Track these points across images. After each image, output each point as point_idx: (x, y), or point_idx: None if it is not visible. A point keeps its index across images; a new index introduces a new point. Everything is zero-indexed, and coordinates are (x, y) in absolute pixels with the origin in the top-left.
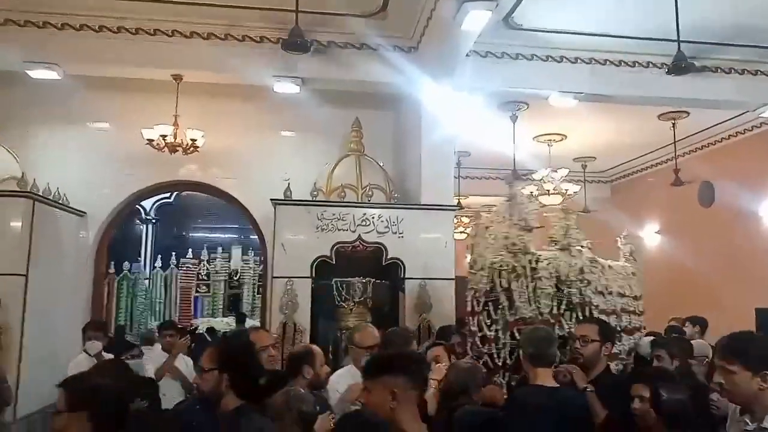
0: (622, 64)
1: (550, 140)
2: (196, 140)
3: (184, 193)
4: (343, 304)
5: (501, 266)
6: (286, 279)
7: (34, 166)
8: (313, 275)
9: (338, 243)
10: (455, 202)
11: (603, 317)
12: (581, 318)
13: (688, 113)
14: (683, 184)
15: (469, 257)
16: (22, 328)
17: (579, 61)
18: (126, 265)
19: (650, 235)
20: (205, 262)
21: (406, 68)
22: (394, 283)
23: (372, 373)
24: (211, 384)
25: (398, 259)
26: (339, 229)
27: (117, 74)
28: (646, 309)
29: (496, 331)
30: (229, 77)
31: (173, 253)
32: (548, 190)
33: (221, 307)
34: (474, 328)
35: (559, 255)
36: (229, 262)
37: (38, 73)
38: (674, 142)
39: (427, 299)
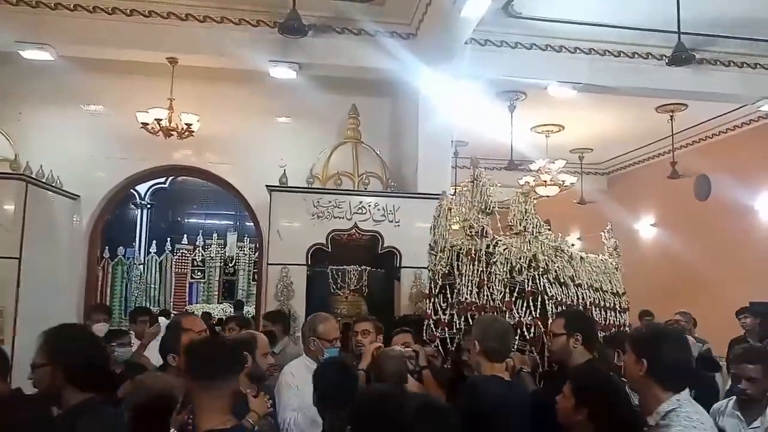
0: (622, 54)
1: (547, 131)
2: (191, 125)
3: (179, 178)
4: (339, 292)
5: (460, 249)
6: (282, 266)
7: (27, 148)
8: (309, 262)
9: (334, 230)
10: (452, 191)
11: (562, 309)
12: (532, 307)
13: (686, 106)
14: (680, 177)
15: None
16: (15, 311)
17: (578, 51)
18: (120, 250)
19: (646, 228)
20: (200, 248)
21: (403, 55)
22: (390, 271)
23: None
24: (45, 381)
25: (394, 247)
26: (335, 217)
27: (111, 56)
28: (640, 302)
29: (451, 315)
30: (225, 61)
31: (168, 239)
32: (545, 181)
33: (216, 293)
34: (429, 311)
35: (514, 240)
36: (224, 248)
37: (31, 54)
38: (672, 135)
39: (423, 288)
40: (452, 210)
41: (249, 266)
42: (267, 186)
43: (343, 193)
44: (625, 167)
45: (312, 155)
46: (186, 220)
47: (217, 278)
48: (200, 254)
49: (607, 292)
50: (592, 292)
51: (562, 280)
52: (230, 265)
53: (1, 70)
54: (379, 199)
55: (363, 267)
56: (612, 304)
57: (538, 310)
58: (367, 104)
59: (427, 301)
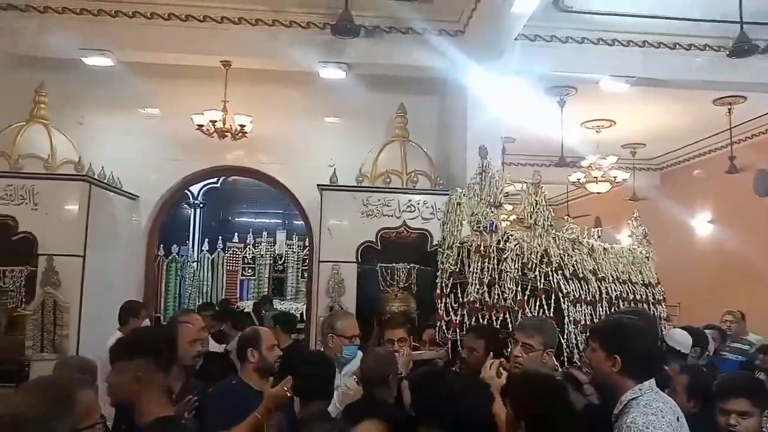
0: (677, 47)
1: (598, 126)
2: (244, 126)
3: (230, 178)
4: (388, 289)
5: (470, 246)
6: (333, 263)
7: (89, 150)
8: (359, 260)
9: (383, 228)
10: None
11: (580, 307)
12: (545, 306)
13: (745, 98)
14: (738, 172)
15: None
16: (80, 308)
17: (632, 44)
18: (174, 248)
19: (702, 224)
20: (251, 246)
21: (452, 52)
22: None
23: (121, 356)
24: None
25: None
26: (384, 215)
27: (167, 60)
28: (696, 300)
29: (462, 316)
30: (276, 63)
31: (219, 237)
32: (596, 178)
33: (266, 290)
34: (441, 312)
35: (525, 235)
36: (273, 246)
37: (93, 60)
38: (730, 128)
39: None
40: (461, 205)
41: (298, 263)
42: (318, 185)
43: (392, 191)
44: (679, 162)
45: (361, 154)
46: (236, 219)
47: (266, 275)
48: (250, 252)
49: (637, 283)
50: (618, 284)
51: (581, 275)
52: (279, 262)
53: (65, 76)
54: (428, 197)
55: (412, 265)
56: (644, 296)
57: (552, 309)
58: (414, 102)
59: (438, 301)
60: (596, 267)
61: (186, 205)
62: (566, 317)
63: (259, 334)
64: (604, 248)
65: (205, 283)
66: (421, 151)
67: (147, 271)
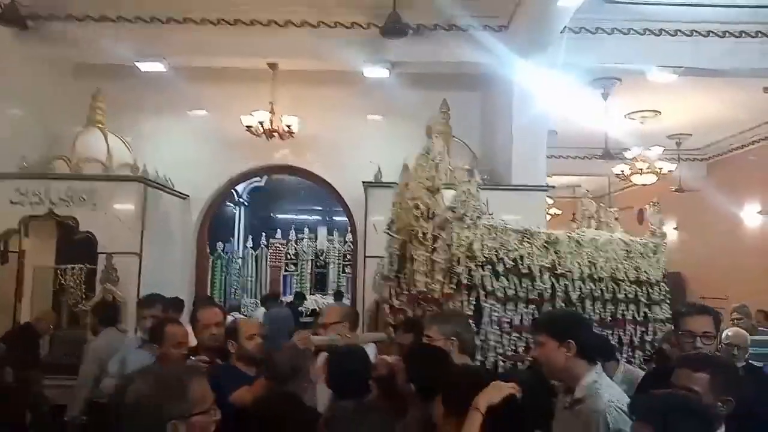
0: (727, 35)
1: (643, 117)
2: (291, 126)
3: (273, 177)
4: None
5: (413, 231)
6: (379, 258)
7: (142, 152)
8: None
9: None
10: (547, 182)
11: (513, 306)
12: (466, 302)
13: None
14: None
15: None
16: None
17: (679, 33)
18: (219, 245)
19: (751, 216)
20: (293, 242)
21: (496, 47)
22: None
23: None
24: None
25: None
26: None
27: (216, 64)
28: (745, 293)
29: (402, 302)
30: (322, 63)
31: (263, 234)
32: (641, 169)
33: (309, 285)
34: (387, 296)
35: (455, 225)
36: (315, 242)
37: (147, 66)
38: None
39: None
40: (409, 185)
41: (339, 259)
42: (363, 182)
43: None
44: (727, 152)
45: (404, 151)
46: (279, 216)
47: (309, 270)
48: (293, 248)
49: (623, 281)
50: (590, 282)
51: (525, 271)
52: (321, 258)
53: (120, 83)
54: None
55: None
56: (632, 295)
57: (473, 306)
58: (457, 98)
59: (387, 286)
60: (556, 262)
61: (230, 204)
62: (485, 316)
63: (238, 326)
64: (577, 241)
65: (249, 278)
66: (465, 146)
67: (198, 267)
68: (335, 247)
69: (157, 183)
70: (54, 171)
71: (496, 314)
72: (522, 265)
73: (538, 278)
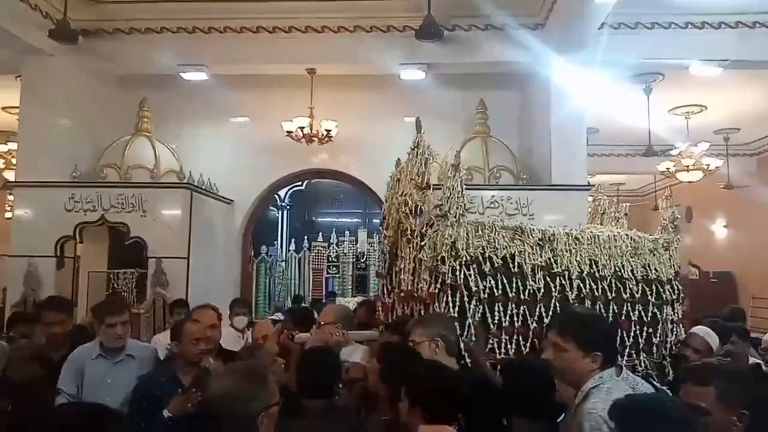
0: None
1: (688, 112)
2: (330, 130)
3: (313, 180)
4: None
5: (403, 228)
6: None
7: (187, 159)
8: None
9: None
10: (588, 181)
11: (501, 307)
12: (450, 303)
13: None
14: None
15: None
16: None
17: (723, 25)
18: (263, 248)
19: None
20: (334, 245)
21: (533, 45)
22: None
23: None
24: None
25: None
26: (467, 211)
27: (256, 71)
28: None
29: (393, 301)
30: (359, 68)
31: (305, 237)
32: (687, 166)
33: (350, 287)
34: (380, 293)
35: (439, 223)
36: (355, 244)
37: (189, 75)
38: None
39: None
40: (400, 182)
41: (379, 261)
42: None
43: (473, 188)
44: None
45: (441, 152)
46: (319, 219)
47: (350, 273)
48: (334, 251)
49: (629, 279)
50: (590, 281)
51: (515, 270)
52: (362, 260)
53: (164, 91)
54: (512, 192)
55: None
56: (636, 294)
57: (457, 306)
58: (494, 98)
59: (380, 281)
60: (552, 260)
61: (273, 208)
62: (469, 318)
63: (181, 330)
64: (576, 238)
65: (292, 281)
66: (503, 146)
67: (243, 270)
68: (376, 249)
69: (203, 189)
70: (105, 179)
71: (479, 315)
72: (512, 263)
73: (530, 277)
